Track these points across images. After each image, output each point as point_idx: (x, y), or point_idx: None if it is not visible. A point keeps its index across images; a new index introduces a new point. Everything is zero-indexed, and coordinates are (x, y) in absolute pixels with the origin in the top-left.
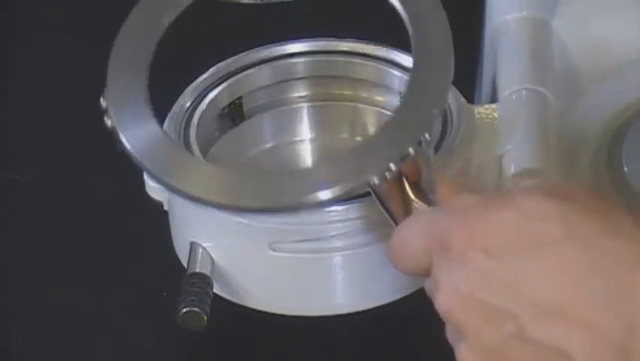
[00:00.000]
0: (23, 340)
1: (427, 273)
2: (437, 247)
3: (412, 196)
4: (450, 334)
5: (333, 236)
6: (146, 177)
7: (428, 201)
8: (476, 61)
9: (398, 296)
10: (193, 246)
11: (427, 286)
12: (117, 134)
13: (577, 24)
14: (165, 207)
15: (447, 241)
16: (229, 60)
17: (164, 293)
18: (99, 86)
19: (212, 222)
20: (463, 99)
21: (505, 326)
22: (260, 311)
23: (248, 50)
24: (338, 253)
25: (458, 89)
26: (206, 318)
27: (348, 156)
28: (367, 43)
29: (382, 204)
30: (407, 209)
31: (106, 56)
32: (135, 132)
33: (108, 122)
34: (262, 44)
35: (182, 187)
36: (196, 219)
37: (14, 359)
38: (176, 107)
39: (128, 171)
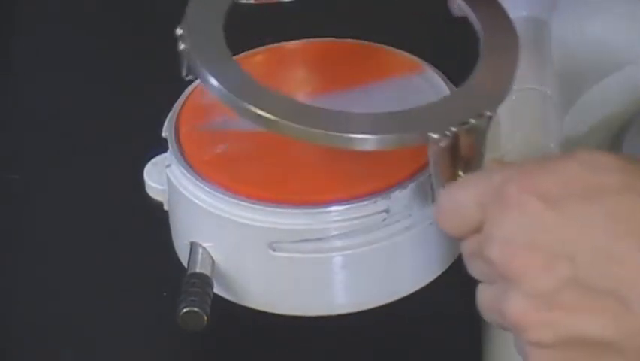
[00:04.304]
0: (23, 340)
1: (475, 231)
2: (492, 197)
3: (460, 169)
4: (490, 295)
5: (333, 236)
6: (146, 176)
7: None
8: (476, 61)
9: (398, 296)
10: (193, 246)
11: (469, 246)
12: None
13: (576, 24)
14: (165, 207)
15: (504, 189)
16: None
17: (164, 293)
18: (99, 86)
19: (212, 222)
20: None
21: (561, 269)
22: (260, 311)
23: (247, 50)
24: (338, 253)
25: None
26: (206, 318)
27: (410, 112)
28: (367, 43)
29: (433, 164)
30: (453, 178)
31: (106, 56)
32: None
33: (181, 46)
34: (261, 45)
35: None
36: (196, 219)
37: (14, 359)
38: (176, 107)
39: (128, 171)
